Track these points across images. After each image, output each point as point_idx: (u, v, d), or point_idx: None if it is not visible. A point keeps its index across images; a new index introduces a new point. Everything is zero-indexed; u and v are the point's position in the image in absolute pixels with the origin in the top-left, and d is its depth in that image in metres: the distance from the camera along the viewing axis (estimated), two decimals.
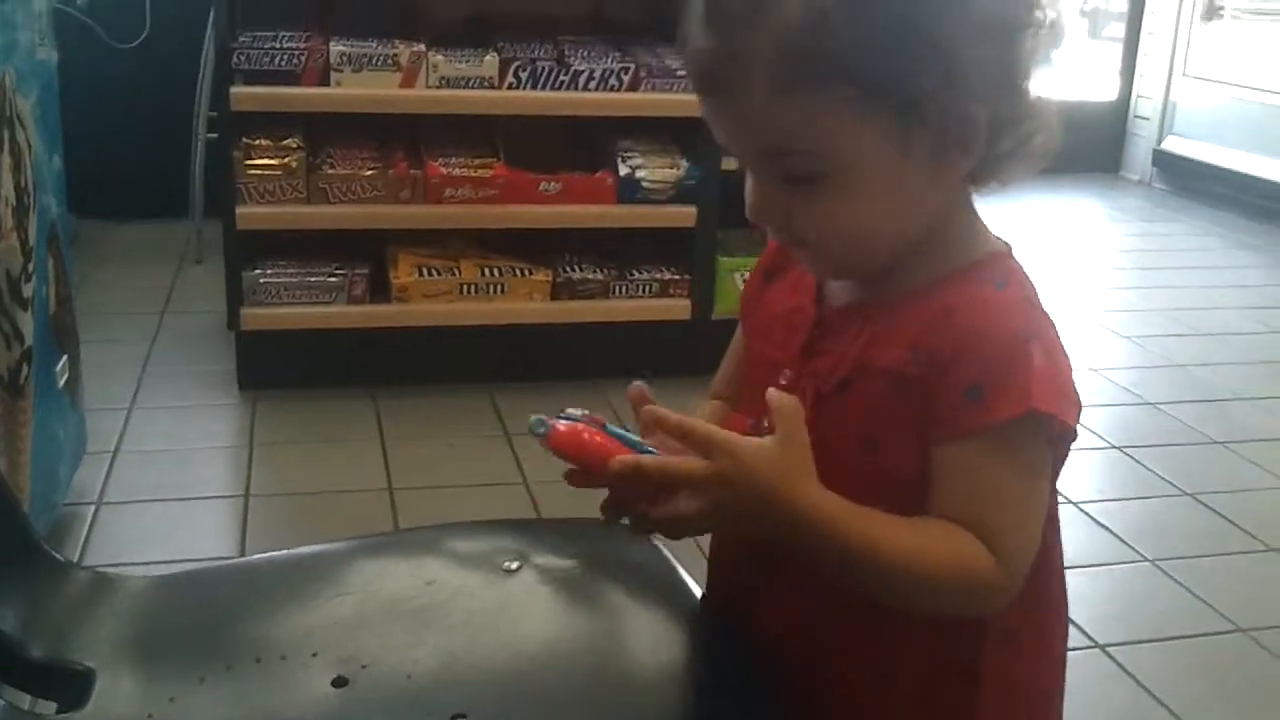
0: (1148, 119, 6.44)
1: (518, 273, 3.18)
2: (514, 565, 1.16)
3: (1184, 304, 4.29)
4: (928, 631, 0.97)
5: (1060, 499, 1.01)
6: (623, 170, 3.20)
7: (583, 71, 3.14)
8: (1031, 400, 0.88)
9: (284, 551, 1.29)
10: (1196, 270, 4.85)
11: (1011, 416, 0.88)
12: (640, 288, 3.29)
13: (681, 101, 3.19)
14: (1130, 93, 6.57)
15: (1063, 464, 0.97)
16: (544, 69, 3.13)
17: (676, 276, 3.30)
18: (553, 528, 1.42)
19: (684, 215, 3.23)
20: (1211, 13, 6.25)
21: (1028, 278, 0.96)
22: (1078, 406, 0.92)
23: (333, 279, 3.08)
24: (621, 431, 0.97)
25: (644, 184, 3.20)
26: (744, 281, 3.63)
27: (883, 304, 0.96)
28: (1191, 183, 6.07)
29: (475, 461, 2.83)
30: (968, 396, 0.89)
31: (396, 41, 3.06)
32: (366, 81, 3.02)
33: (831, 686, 1.02)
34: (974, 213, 0.99)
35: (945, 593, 0.92)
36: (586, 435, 0.96)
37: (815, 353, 1.00)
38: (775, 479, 0.89)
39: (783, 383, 0.99)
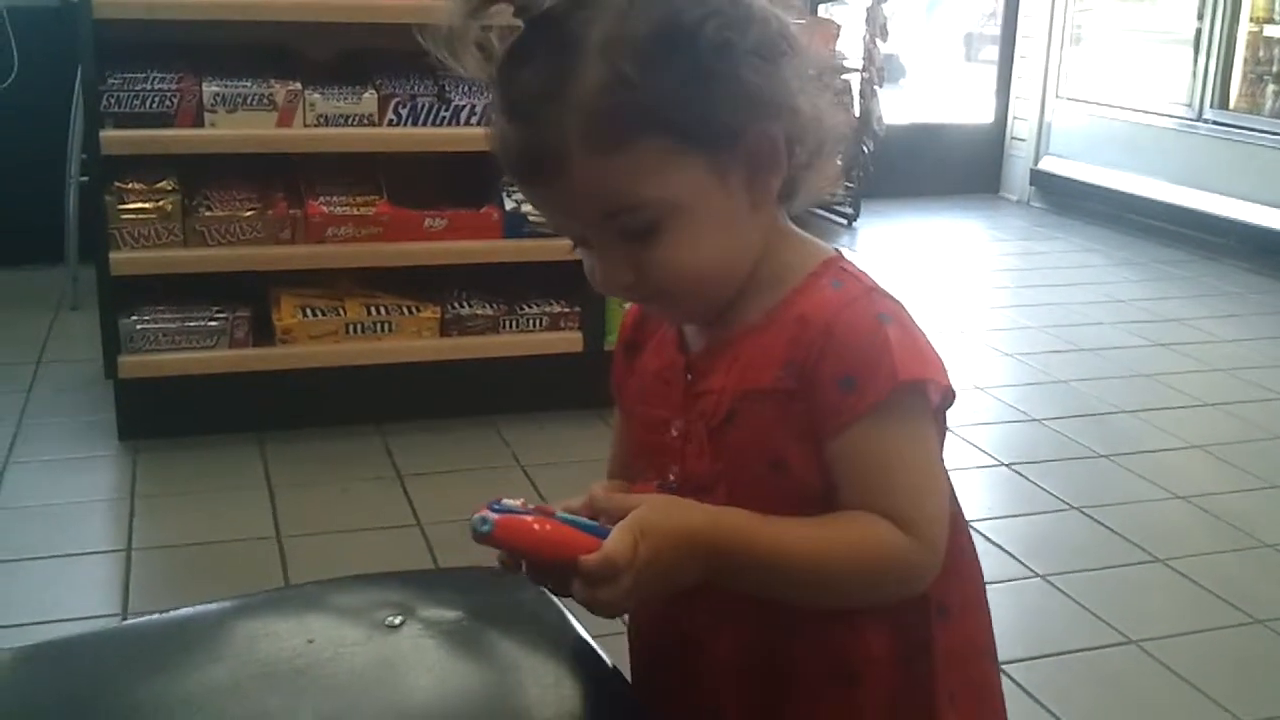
0: (1024, 140, 6.60)
1: (405, 310, 3.14)
2: (397, 620, 1.13)
3: (1065, 320, 4.39)
4: (881, 624, 1.00)
5: None
6: (509, 204, 3.18)
7: (464, 106, 3.12)
8: (898, 374, 0.94)
9: (160, 614, 1.25)
10: (1076, 287, 4.97)
11: (885, 392, 0.94)
12: (530, 321, 3.27)
13: None
14: (1006, 115, 6.74)
15: (944, 419, 1.02)
16: (425, 105, 3.10)
17: (567, 309, 3.28)
18: (441, 578, 1.39)
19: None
20: (1079, 36, 6.45)
21: (862, 272, 1.02)
22: (943, 367, 0.97)
23: (213, 323, 3.01)
24: (571, 516, 0.94)
25: (530, 217, 3.19)
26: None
27: (742, 331, 1.01)
28: (1068, 201, 6.23)
29: (368, 505, 2.78)
30: (842, 388, 0.94)
31: (272, 80, 3.00)
32: (242, 121, 2.96)
33: (801, 701, 1.03)
34: (793, 232, 1.05)
35: (869, 578, 0.96)
36: (537, 526, 0.92)
37: (695, 395, 1.03)
38: (684, 510, 0.95)
39: (674, 434, 1.03)
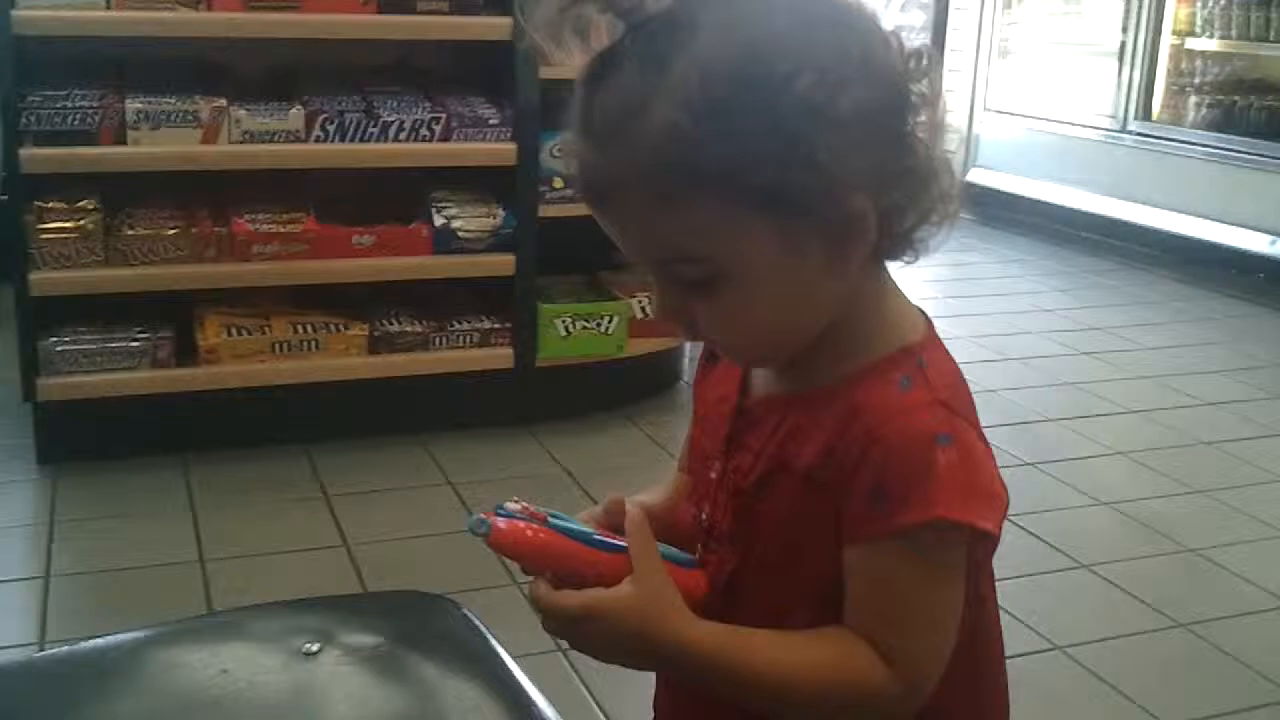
0: (953, 152, 6.63)
1: (333, 328, 3.12)
2: (314, 647, 1.12)
3: (993, 330, 4.44)
4: None
5: None
6: (438, 221, 3.17)
7: (392, 122, 3.10)
8: (936, 507, 0.86)
9: (73, 646, 1.23)
10: (1004, 297, 5.04)
11: (915, 522, 0.86)
12: (461, 338, 3.25)
13: (495, 150, 3.18)
14: None
15: (989, 559, 0.95)
16: (352, 120, 3.08)
17: (497, 326, 3.27)
18: (362, 603, 1.38)
19: (502, 264, 3.22)
20: (1006, 49, 6.54)
21: (943, 371, 0.93)
22: (998, 507, 0.89)
23: (135, 344, 2.96)
24: (566, 524, 0.93)
25: (460, 234, 3.18)
26: (564, 328, 3.56)
27: (799, 398, 0.94)
28: (996, 212, 6.31)
29: (294, 526, 2.74)
30: (871, 501, 0.87)
31: (196, 97, 2.97)
32: (166, 139, 2.92)
33: None
34: (890, 291, 0.96)
35: (835, 708, 0.91)
36: (530, 533, 0.92)
37: (737, 447, 0.97)
38: (638, 624, 0.89)
39: (712, 476, 0.99)
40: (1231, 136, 5.33)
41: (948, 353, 0.96)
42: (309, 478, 2.98)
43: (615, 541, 0.92)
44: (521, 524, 0.91)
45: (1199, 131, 5.51)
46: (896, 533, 0.86)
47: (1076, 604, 2.59)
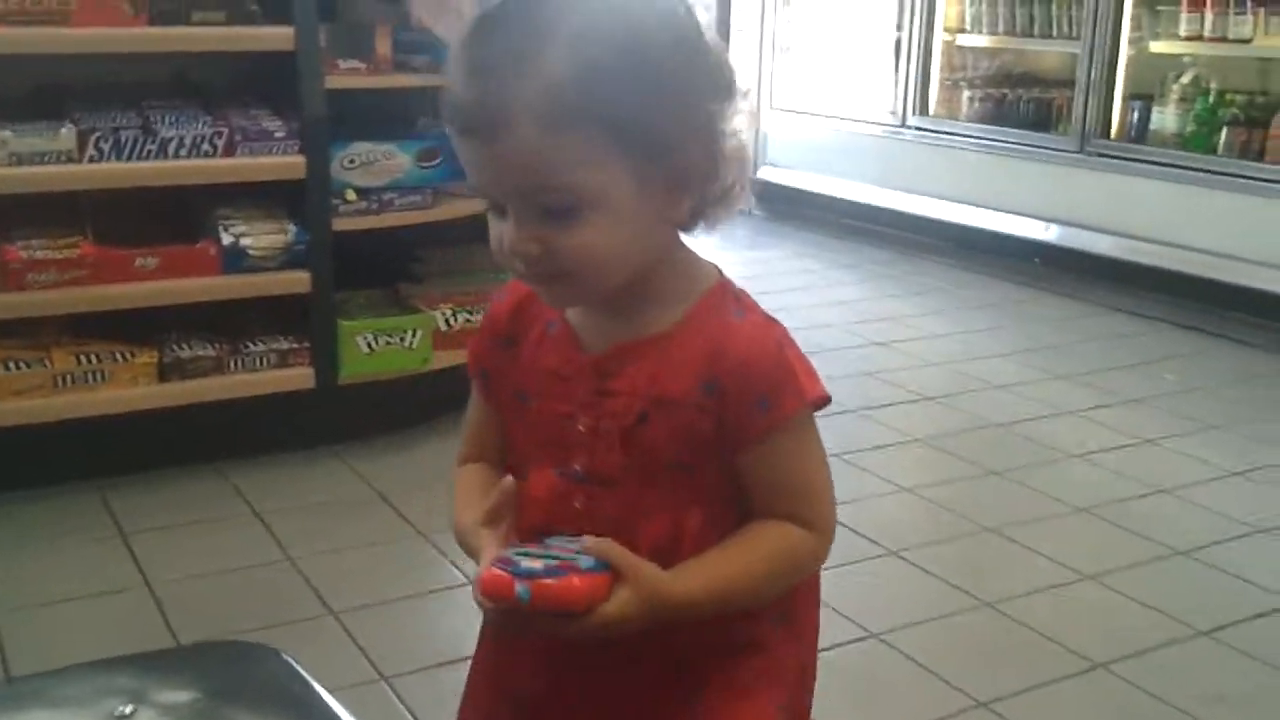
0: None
1: (119, 357, 2.97)
2: (128, 710, 1.05)
3: (790, 324, 4.44)
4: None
5: None
6: (225, 239, 3.05)
7: (171, 138, 2.98)
8: (805, 393, 1.09)
9: None
10: (799, 291, 5.16)
11: (795, 408, 1.09)
12: (257, 360, 3.14)
13: (283, 164, 3.08)
14: None
15: None
16: (128, 138, 2.94)
17: (296, 345, 3.17)
18: (174, 658, 1.31)
19: (297, 281, 3.12)
20: (789, 48, 6.70)
21: (743, 291, 1.15)
22: (818, 374, 1.12)
23: None
24: (591, 563, 1.01)
25: (250, 252, 3.07)
26: (367, 344, 3.48)
27: (650, 341, 1.10)
28: (787, 208, 6.46)
29: (89, 570, 2.60)
30: (759, 407, 1.08)
31: None
32: None
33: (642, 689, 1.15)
34: (688, 248, 1.15)
35: (788, 579, 1.14)
36: (561, 584, 0.99)
37: (603, 394, 1.11)
38: (649, 612, 1.03)
39: (581, 429, 1.12)
40: (1003, 128, 5.58)
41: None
42: (102, 516, 2.83)
43: (588, 560, 1.01)
44: (550, 583, 0.98)
45: (973, 124, 5.75)
46: (784, 423, 1.08)
47: (888, 591, 2.66)
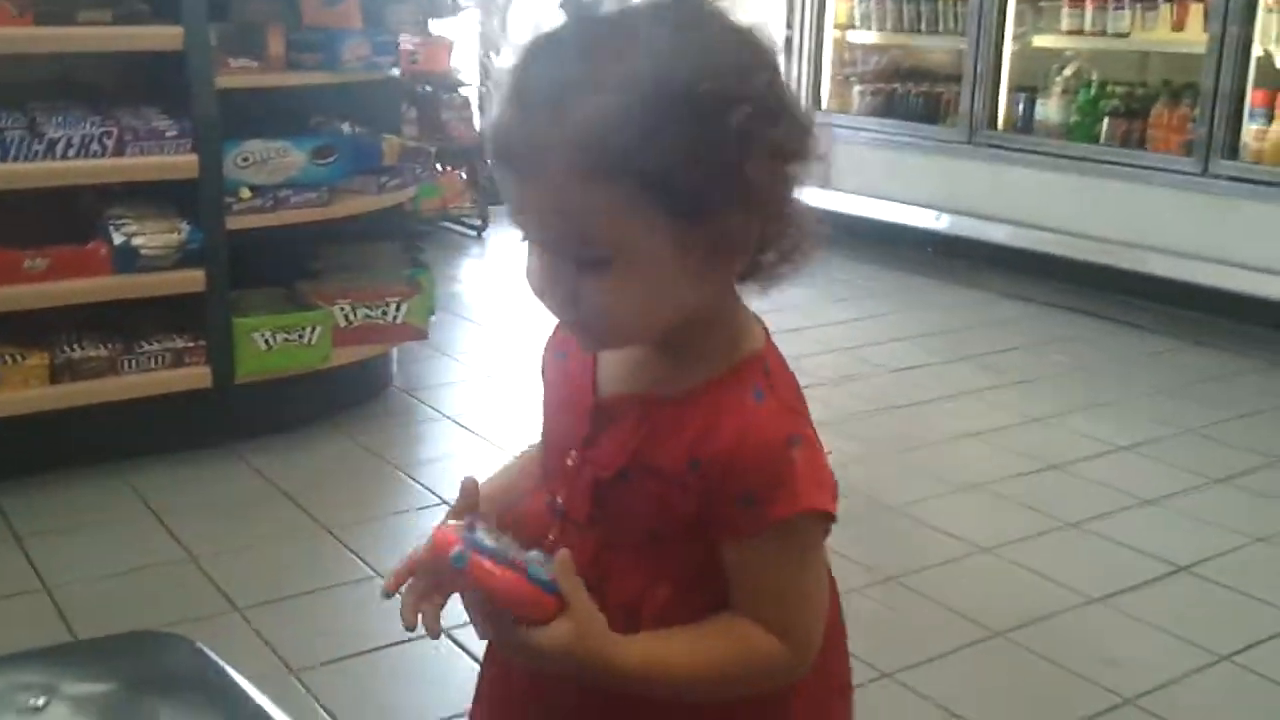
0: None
1: (9, 359, 2.90)
2: (40, 702, 1.04)
3: None
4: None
5: None
6: (117, 239, 3.00)
7: (59, 139, 2.92)
8: (799, 501, 0.97)
9: None
10: None
11: (785, 516, 0.96)
12: (152, 359, 3.09)
13: (175, 163, 3.04)
14: None
15: (828, 534, 1.05)
16: (14, 139, 2.87)
17: (191, 344, 3.13)
18: (84, 650, 1.29)
19: (191, 280, 3.07)
20: None
21: (784, 376, 1.03)
22: (834, 490, 1.01)
23: None
24: (542, 576, 0.96)
25: (142, 251, 3.02)
26: (264, 341, 3.44)
27: (657, 401, 1.01)
28: None
29: None
30: (741, 504, 0.97)
31: None
32: None
33: None
34: (737, 305, 1.04)
35: (740, 685, 1.01)
36: (499, 573, 0.94)
37: (595, 441, 1.04)
38: (579, 656, 0.95)
39: (569, 464, 1.05)
40: (894, 121, 5.69)
41: (782, 355, 1.05)
42: None
43: (544, 577, 0.96)
44: (489, 564, 0.94)
45: (865, 118, 5.85)
46: (770, 528, 0.97)
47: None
